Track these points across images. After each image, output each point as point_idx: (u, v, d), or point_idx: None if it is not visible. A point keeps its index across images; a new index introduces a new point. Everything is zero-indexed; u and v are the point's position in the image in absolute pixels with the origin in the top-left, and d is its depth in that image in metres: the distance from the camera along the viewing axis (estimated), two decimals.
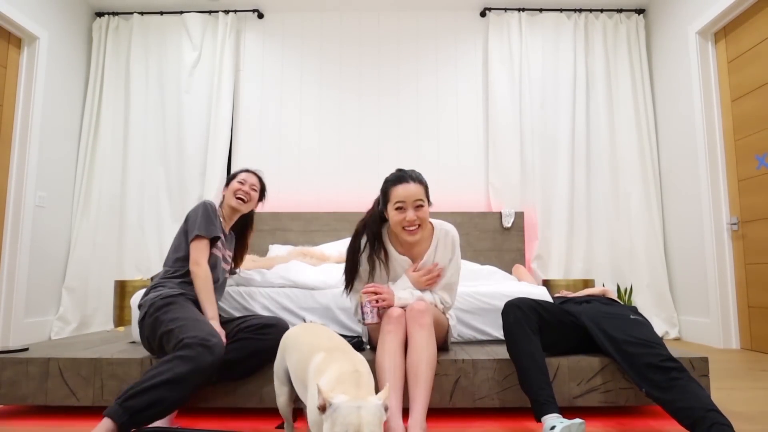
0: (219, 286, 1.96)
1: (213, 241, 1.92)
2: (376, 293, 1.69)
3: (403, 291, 1.76)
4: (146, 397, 1.36)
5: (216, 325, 1.71)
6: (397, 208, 1.71)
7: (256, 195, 2.14)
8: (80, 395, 1.75)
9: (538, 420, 1.51)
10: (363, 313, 1.69)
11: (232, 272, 2.28)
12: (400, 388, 1.51)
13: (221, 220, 2.06)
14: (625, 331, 1.66)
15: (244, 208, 2.10)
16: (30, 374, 1.76)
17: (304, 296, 2.30)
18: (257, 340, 1.72)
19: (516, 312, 1.70)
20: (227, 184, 2.16)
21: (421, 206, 1.72)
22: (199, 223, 1.88)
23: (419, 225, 1.72)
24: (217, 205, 2.05)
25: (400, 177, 1.74)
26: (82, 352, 1.90)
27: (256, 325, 1.75)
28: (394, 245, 1.86)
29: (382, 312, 1.69)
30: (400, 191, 1.70)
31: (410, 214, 1.69)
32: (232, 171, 4.18)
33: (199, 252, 1.86)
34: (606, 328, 1.71)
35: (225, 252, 2.05)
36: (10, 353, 1.85)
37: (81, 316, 3.90)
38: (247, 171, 2.17)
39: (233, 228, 2.19)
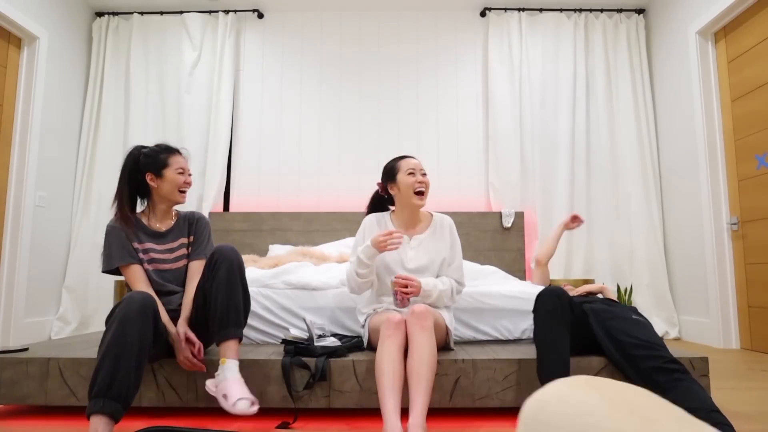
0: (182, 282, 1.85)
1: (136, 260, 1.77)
2: (405, 285, 1.79)
3: (425, 279, 1.88)
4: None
5: (180, 329, 1.68)
6: (409, 173, 1.97)
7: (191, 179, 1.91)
8: (80, 395, 1.75)
9: None
10: (396, 299, 1.80)
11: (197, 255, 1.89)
12: (399, 389, 1.52)
13: (144, 222, 1.83)
14: (628, 333, 1.67)
15: (184, 200, 1.88)
16: (30, 374, 1.76)
17: (304, 296, 2.30)
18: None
19: (555, 301, 1.68)
20: (157, 171, 1.80)
21: (425, 174, 2.00)
22: (103, 259, 1.76)
23: (426, 190, 1.98)
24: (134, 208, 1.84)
25: (403, 155, 2.06)
26: (82, 352, 1.90)
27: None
28: (395, 224, 2.05)
29: (407, 301, 1.82)
30: (410, 161, 2.00)
31: (419, 177, 1.97)
32: (232, 167, 4.20)
33: (129, 281, 1.75)
34: (611, 330, 1.72)
35: (172, 253, 1.83)
36: (10, 353, 1.85)
37: (81, 316, 3.90)
38: (177, 152, 1.86)
39: None
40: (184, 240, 1.88)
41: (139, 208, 1.89)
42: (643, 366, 1.56)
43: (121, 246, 1.75)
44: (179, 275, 1.85)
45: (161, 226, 1.87)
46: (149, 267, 1.79)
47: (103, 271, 1.76)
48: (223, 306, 1.62)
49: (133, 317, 1.44)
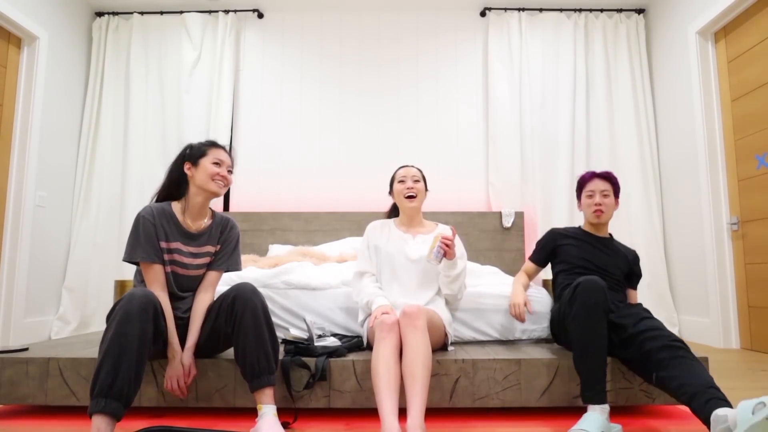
0: (193, 296, 1.81)
1: (158, 256, 1.72)
2: (449, 239, 1.86)
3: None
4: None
5: (185, 358, 1.66)
6: (399, 182, 2.14)
7: (232, 179, 1.87)
8: (80, 395, 1.75)
9: (586, 403, 1.57)
10: (435, 252, 1.85)
11: (218, 268, 1.85)
12: (395, 390, 1.52)
13: (178, 218, 1.78)
14: (629, 316, 1.75)
15: (223, 192, 1.82)
16: (30, 374, 1.76)
17: (304, 296, 2.31)
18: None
19: (600, 295, 1.66)
20: (194, 160, 1.79)
21: (418, 181, 2.13)
22: (126, 247, 1.72)
23: (416, 195, 2.10)
24: (165, 204, 1.79)
25: (402, 165, 2.23)
26: (82, 352, 1.90)
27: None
28: (398, 228, 2.16)
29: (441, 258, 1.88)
30: (402, 171, 2.17)
31: (409, 183, 2.12)
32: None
33: (146, 278, 1.71)
34: (621, 319, 1.77)
35: (196, 258, 1.79)
36: (10, 353, 1.85)
37: (81, 316, 3.90)
38: (216, 146, 1.83)
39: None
40: (212, 249, 1.83)
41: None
42: (649, 346, 1.60)
43: (148, 240, 1.70)
44: (195, 283, 1.81)
45: (194, 225, 1.81)
46: (168, 269, 1.75)
47: (124, 260, 1.72)
48: (253, 356, 1.58)
49: (134, 315, 1.43)
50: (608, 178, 2.16)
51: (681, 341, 1.58)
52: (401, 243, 2.08)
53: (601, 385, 1.56)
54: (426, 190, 2.18)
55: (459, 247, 2.09)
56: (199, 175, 1.77)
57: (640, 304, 1.94)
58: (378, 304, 1.86)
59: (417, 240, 2.10)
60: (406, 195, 2.09)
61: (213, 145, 1.84)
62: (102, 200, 4.06)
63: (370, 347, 1.98)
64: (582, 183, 2.21)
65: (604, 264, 2.08)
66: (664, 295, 3.89)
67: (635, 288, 2.17)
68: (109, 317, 1.48)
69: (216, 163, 1.78)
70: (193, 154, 1.80)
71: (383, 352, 1.60)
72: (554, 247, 2.22)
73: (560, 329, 1.96)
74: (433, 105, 4.33)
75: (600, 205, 2.12)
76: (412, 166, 2.18)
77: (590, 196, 2.15)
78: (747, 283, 3.26)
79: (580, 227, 2.25)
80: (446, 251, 1.86)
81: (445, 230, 2.10)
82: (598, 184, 2.15)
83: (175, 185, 1.84)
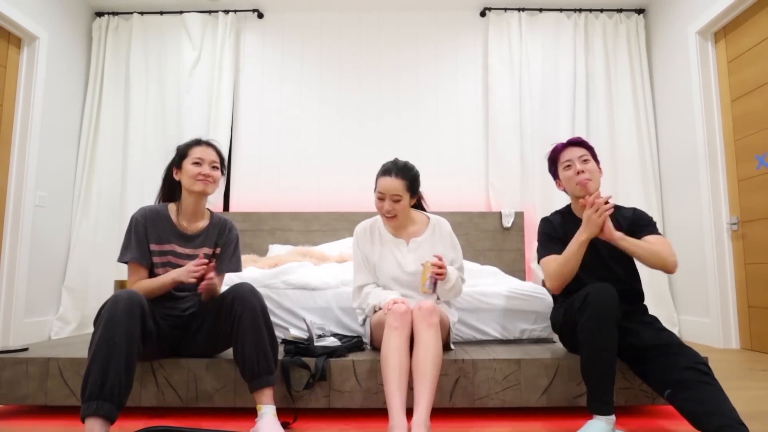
0: (192, 295, 1.82)
1: (149, 258, 1.74)
2: (440, 266, 1.76)
3: (449, 267, 1.87)
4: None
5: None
6: (378, 198, 1.90)
7: (219, 174, 1.82)
8: (80, 395, 1.75)
9: (592, 413, 1.51)
10: (428, 284, 1.77)
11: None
12: (404, 385, 1.52)
13: (173, 220, 1.79)
14: (648, 332, 1.66)
15: (210, 190, 1.79)
16: (30, 374, 1.76)
17: (304, 296, 2.31)
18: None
19: (611, 303, 1.55)
20: (178, 163, 1.80)
21: (398, 200, 1.87)
22: (121, 248, 1.76)
23: (396, 215, 1.89)
24: (159, 203, 1.82)
25: (386, 170, 1.90)
26: (82, 352, 1.90)
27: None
28: (388, 229, 2.02)
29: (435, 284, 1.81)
30: (381, 183, 1.88)
31: (387, 205, 1.87)
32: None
33: (130, 279, 1.74)
34: (635, 326, 1.70)
35: (192, 260, 1.78)
36: (10, 353, 1.85)
37: (81, 316, 3.90)
38: (199, 143, 1.82)
39: None
40: (208, 251, 1.84)
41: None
42: (670, 361, 1.51)
43: (138, 242, 1.73)
44: (192, 284, 1.80)
45: (189, 226, 1.82)
46: (161, 271, 1.75)
47: (118, 261, 1.76)
48: (252, 356, 1.58)
49: (120, 317, 1.43)
50: (581, 143, 1.90)
51: (706, 364, 1.49)
52: (395, 253, 1.96)
53: (608, 396, 1.50)
54: (414, 197, 1.96)
55: (452, 250, 2.01)
56: (184, 178, 1.79)
57: (646, 309, 1.88)
58: (391, 297, 1.82)
59: (411, 247, 1.97)
60: (386, 216, 1.91)
61: (194, 144, 1.83)
62: (102, 200, 4.06)
63: (373, 347, 1.98)
64: (554, 158, 1.94)
65: (605, 256, 1.83)
66: (664, 295, 3.89)
67: (652, 233, 1.80)
68: (96, 320, 1.48)
69: (196, 163, 1.77)
70: (177, 158, 1.82)
71: (395, 343, 1.58)
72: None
73: (565, 334, 1.89)
74: (433, 105, 4.33)
75: (583, 171, 1.82)
76: (396, 174, 1.86)
77: (568, 167, 1.86)
78: (747, 283, 3.26)
79: (569, 210, 1.96)
80: (438, 278, 1.77)
81: (431, 257, 1.85)
82: (573, 152, 1.88)
83: (169, 190, 1.86)
